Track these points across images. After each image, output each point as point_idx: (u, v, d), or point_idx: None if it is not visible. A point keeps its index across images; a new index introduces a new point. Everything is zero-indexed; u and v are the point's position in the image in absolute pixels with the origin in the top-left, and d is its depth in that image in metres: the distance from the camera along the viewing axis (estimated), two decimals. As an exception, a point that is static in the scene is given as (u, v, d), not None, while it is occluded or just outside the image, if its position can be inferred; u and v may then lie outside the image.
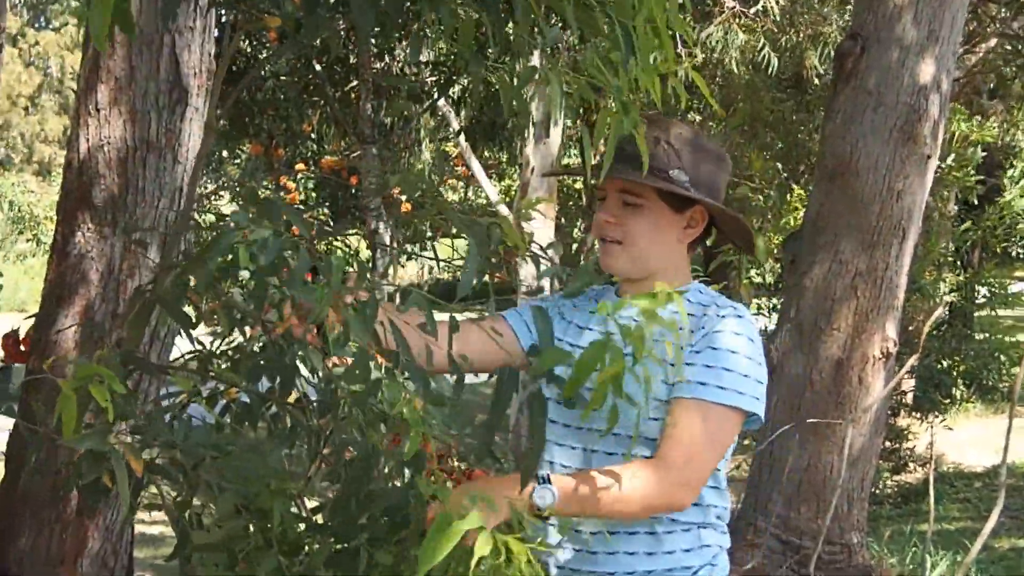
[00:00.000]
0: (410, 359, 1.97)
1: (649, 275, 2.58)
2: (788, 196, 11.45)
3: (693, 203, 2.58)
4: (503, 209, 12.01)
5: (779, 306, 9.36)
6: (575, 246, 16.03)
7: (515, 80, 2.14)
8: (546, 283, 12.55)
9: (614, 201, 2.56)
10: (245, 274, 2.13)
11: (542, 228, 11.94)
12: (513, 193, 15.96)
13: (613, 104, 2.06)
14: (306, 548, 1.99)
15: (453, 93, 11.50)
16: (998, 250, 12.23)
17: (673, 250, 2.61)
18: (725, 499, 2.61)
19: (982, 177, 10.85)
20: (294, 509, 2.16)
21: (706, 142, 2.61)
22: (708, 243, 2.75)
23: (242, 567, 2.02)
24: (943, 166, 10.22)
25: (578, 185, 16.27)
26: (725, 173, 2.64)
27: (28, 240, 31.25)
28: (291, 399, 2.29)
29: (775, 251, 10.90)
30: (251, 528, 1.98)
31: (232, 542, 1.99)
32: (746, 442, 13.00)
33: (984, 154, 10.78)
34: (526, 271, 12.52)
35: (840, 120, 6.24)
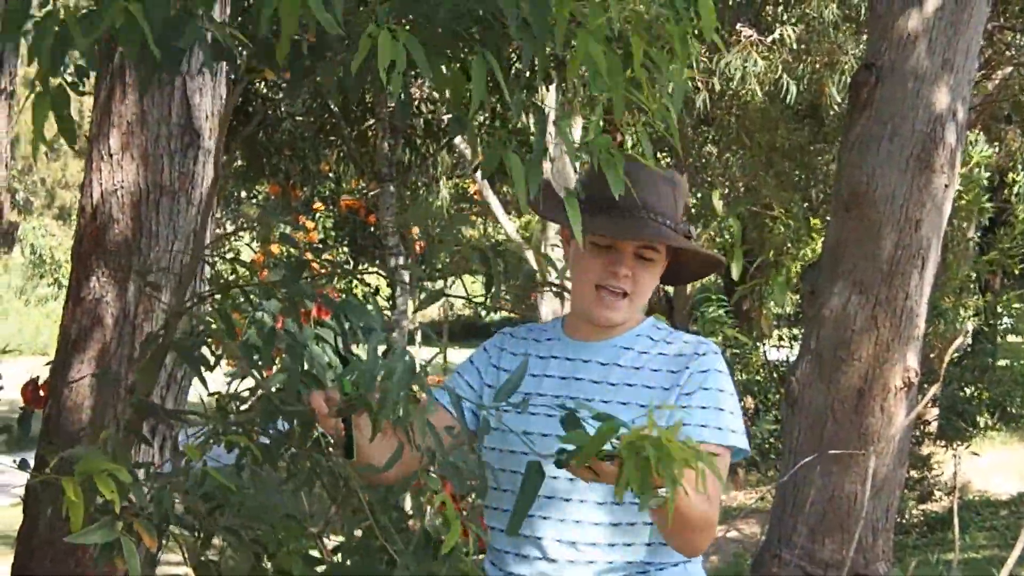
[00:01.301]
0: (444, 454, 1.98)
1: None
2: (807, 226, 11.41)
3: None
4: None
5: (799, 336, 9.33)
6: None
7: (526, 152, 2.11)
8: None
9: (630, 254, 2.52)
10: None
11: (563, 259, 11.93)
12: (533, 227, 15.97)
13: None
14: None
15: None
16: (1016, 271, 12.15)
17: None
18: None
19: (993, 203, 10.82)
20: (315, 552, 2.14)
21: (674, 175, 2.63)
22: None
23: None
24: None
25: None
26: None
27: (49, 284, 31.41)
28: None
29: (794, 282, 10.87)
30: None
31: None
32: (770, 473, 12.95)
33: (999, 178, 10.75)
34: (547, 307, 12.51)
35: (856, 150, 6.21)
